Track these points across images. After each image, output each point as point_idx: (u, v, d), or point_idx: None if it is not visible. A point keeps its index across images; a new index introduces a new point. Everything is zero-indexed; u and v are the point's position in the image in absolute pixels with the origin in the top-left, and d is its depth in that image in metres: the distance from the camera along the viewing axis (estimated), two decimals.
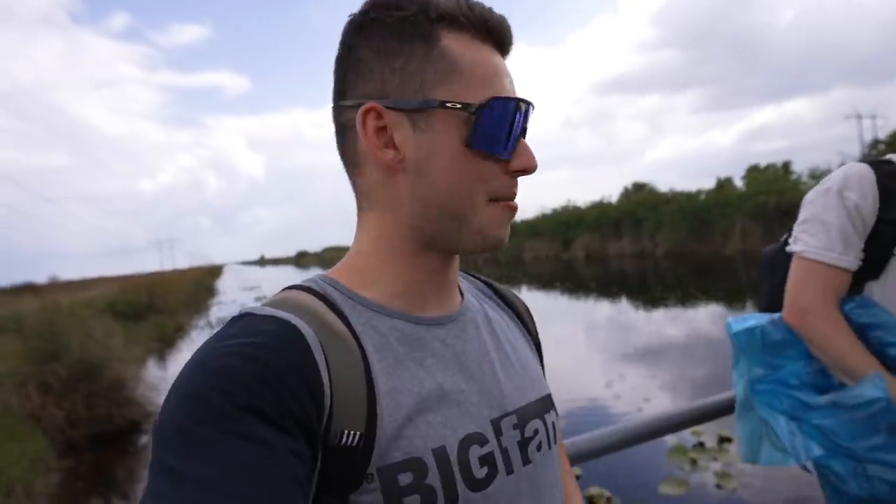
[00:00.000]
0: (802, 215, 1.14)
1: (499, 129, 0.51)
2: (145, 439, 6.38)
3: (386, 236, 0.54)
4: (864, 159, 1.15)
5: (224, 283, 47.99)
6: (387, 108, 0.50)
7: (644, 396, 5.78)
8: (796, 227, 1.15)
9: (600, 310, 13.48)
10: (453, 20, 0.51)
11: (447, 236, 0.53)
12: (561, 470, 0.64)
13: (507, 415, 0.56)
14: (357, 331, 0.50)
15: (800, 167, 28.01)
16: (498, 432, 0.54)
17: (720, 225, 25.38)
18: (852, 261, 1.06)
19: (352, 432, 0.45)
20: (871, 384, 0.97)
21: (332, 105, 0.56)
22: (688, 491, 3.63)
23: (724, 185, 28.63)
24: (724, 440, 4.13)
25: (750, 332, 1.14)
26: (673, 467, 3.93)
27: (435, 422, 0.49)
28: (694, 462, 3.93)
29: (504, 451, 0.53)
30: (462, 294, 0.62)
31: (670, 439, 4.15)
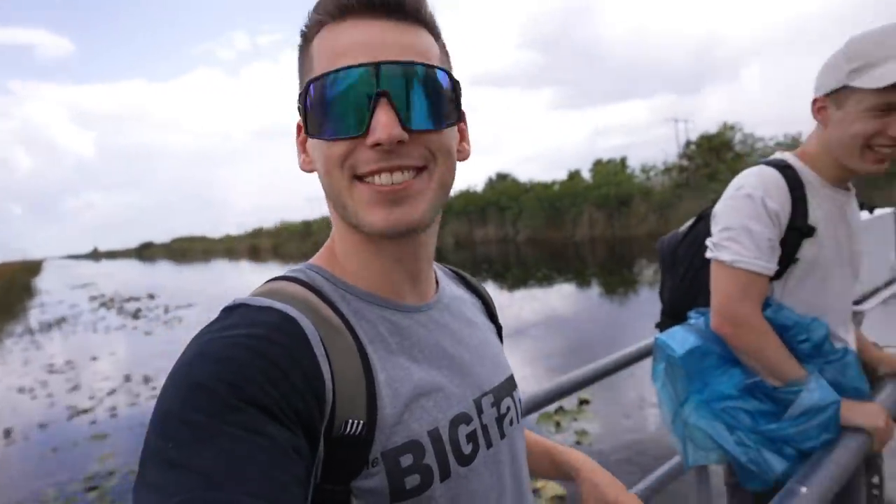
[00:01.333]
0: (724, 221, 1.13)
1: (323, 109, 0.49)
2: None
3: (342, 230, 0.56)
4: (767, 161, 1.17)
5: (46, 281, 40.71)
6: (299, 111, 0.54)
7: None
8: (719, 234, 1.14)
9: None
10: (319, 18, 0.51)
11: (349, 223, 0.53)
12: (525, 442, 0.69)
13: (485, 394, 0.59)
14: (350, 322, 0.51)
15: (634, 162, 32.07)
16: (479, 410, 0.57)
17: (571, 213, 28.10)
18: (774, 267, 1.10)
19: (354, 421, 0.47)
20: (821, 391, 1.04)
21: None
22: None
23: (574, 176, 31.63)
24: (582, 402, 4.67)
25: (691, 352, 1.16)
26: (542, 431, 4.34)
27: (428, 406, 0.52)
28: (558, 424, 4.38)
29: (485, 428, 0.57)
30: (437, 282, 0.64)
31: None
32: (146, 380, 7.09)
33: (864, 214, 1.61)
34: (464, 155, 0.59)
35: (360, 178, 0.50)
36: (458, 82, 0.53)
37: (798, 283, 1.13)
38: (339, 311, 0.51)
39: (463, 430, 0.54)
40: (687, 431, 1.17)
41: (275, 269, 28.29)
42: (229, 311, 0.48)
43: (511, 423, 0.62)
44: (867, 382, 1.13)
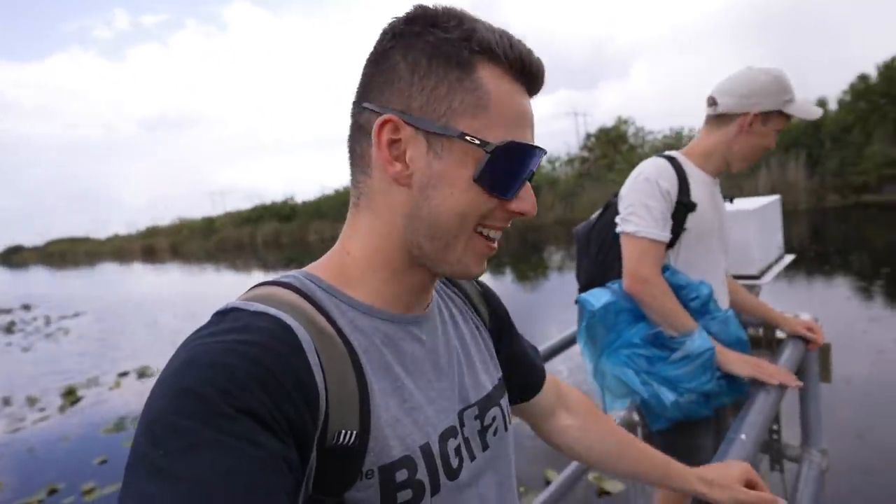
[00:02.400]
0: (628, 201, 1.38)
1: (508, 172, 0.52)
2: None
3: (381, 246, 0.55)
4: (658, 155, 1.44)
5: None
6: (406, 123, 0.51)
7: None
8: (624, 211, 1.38)
9: None
10: (493, 54, 0.51)
11: (431, 256, 0.54)
12: (512, 448, 0.68)
13: (469, 406, 0.60)
14: (345, 331, 0.50)
15: None
16: (461, 424, 0.58)
17: None
18: (668, 235, 1.35)
19: (347, 431, 0.47)
20: (700, 339, 1.28)
21: (353, 101, 0.56)
22: None
23: None
24: None
25: (606, 306, 1.39)
26: None
27: (420, 419, 0.53)
28: None
29: (466, 441, 0.58)
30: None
31: None
32: (31, 401, 6.28)
33: (756, 201, 1.86)
34: None
35: (482, 230, 0.54)
36: None
37: (687, 250, 1.40)
38: (333, 321, 0.50)
39: (451, 444, 0.55)
40: (605, 381, 1.39)
41: (174, 270, 26.32)
42: (221, 315, 0.46)
43: (496, 432, 0.63)
44: (746, 335, 1.39)
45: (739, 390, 1.32)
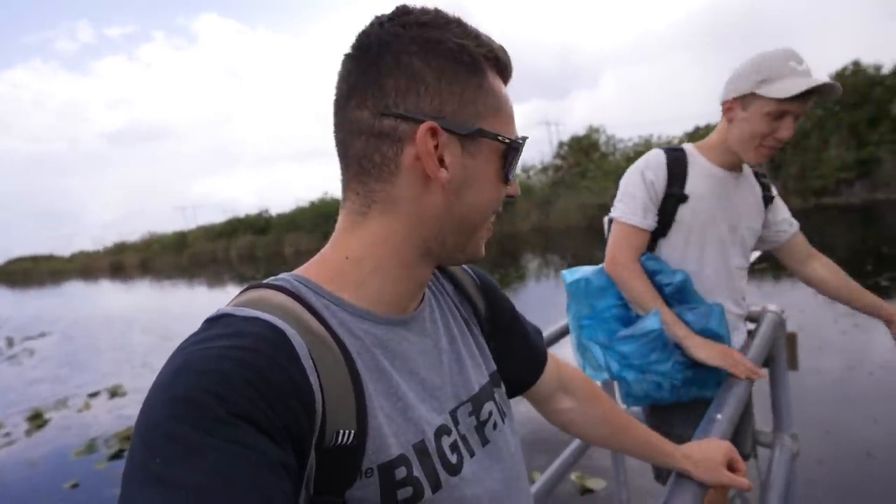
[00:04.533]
0: (619, 190, 1.45)
1: (516, 163, 0.59)
2: None
3: (393, 244, 0.55)
4: (663, 147, 1.46)
5: None
6: (443, 128, 0.52)
7: None
8: (615, 199, 1.46)
9: None
10: (494, 59, 0.56)
11: (450, 249, 0.58)
12: (517, 439, 0.69)
13: (462, 404, 0.61)
14: (338, 333, 0.51)
15: None
16: (455, 422, 0.59)
17: None
18: (650, 223, 1.40)
19: (346, 432, 0.47)
20: (652, 318, 1.32)
21: (355, 105, 0.53)
22: None
23: None
24: None
25: (577, 281, 1.49)
26: None
27: (414, 417, 0.54)
28: None
29: (463, 438, 0.59)
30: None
31: None
32: None
33: None
34: None
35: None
36: None
37: (678, 240, 1.42)
38: (325, 323, 0.50)
39: (446, 441, 0.56)
40: (585, 354, 1.43)
41: (145, 288, 25.58)
42: (212, 321, 0.47)
43: (495, 426, 0.63)
44: (728, 333, 1.38)
45: (715, 384, 1.32)
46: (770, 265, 8.05)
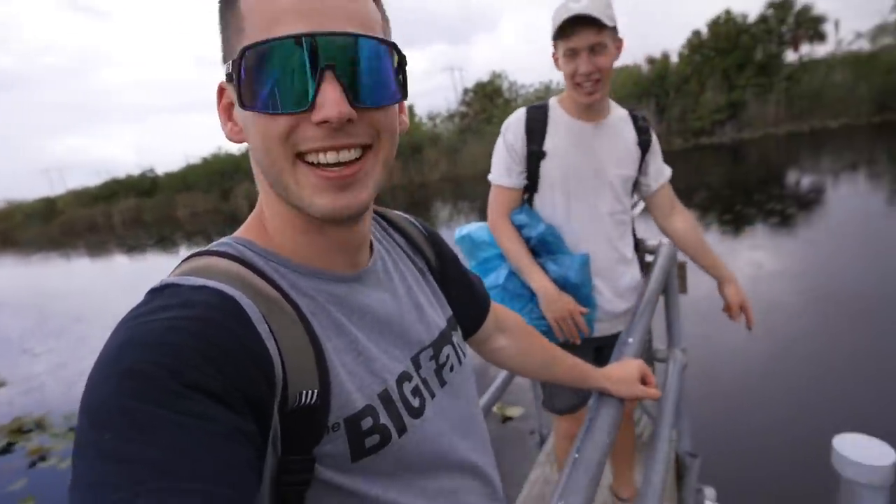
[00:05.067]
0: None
1: (262, 81, 0.45)
2: None
3: (275, 203, 0.54)
4: (529, 105, 1.52)
5: None
6: (227, 81, 0.49)
7: None
8: None
9: None
10: None
11: (291, 204, 0.50)
12: (472, 378, 0.71)
13: (424, 349, 0.62)
14: (289, 295, 0.50)
15: (420, 111, 33.52)
16: (417, 367, 0.60)
17: None
18: (515, 182, 1.48)
19: (308, 392, 0.47)
20: (493, 275, 1.50)
21: None
22: None
23: None
24: None
25: (463, 238, 1.60)
26: None
27: (376, 368, 0.54)
28: None
29: (424, 381, 0.60)
30: (371, 244, 0.63)
31: None
32: None
33: None
34: (403, 128, 0.57)
35: (301, 155, 0.47)
36: (404, 56, 0.51)
37: (546, 194, 1.49)
38: (276, 285, 0.49)
39: (408, 387, 0.57)
40: None
41: (8, 262, 22.38)
42: (156, 292, 0.44)
43: (452, 368, 0.65)
44: (590, 285, 1.50)
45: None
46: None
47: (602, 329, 1.56)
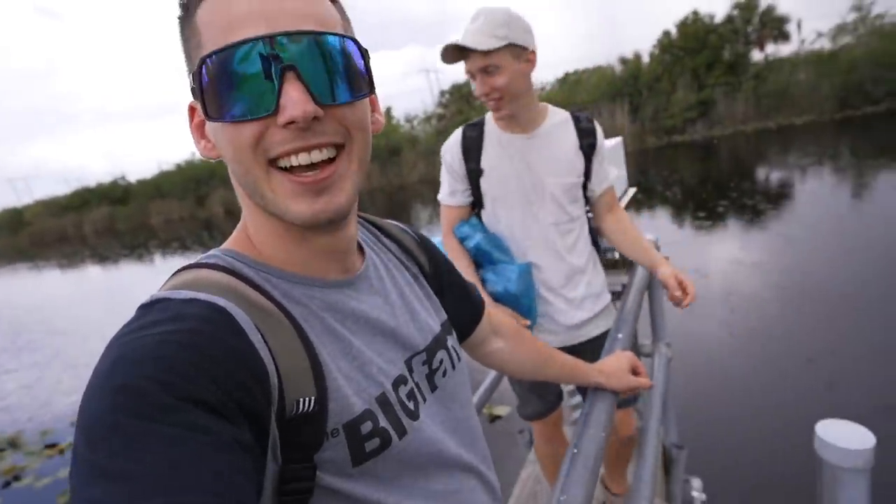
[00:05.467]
0: None
1: (223, 89, 0.44)
2: None
3: (259, 217, 0.54)
4: (466, 123, 1.50)
5: None
6: (193, 96, 0.49)
7: None
8: None
9: None
10: None
11: (270, 213, 0.50)
12: (467, 381, 0.71)
13: (417, 353, 0.62)
14: (282, 304, 0.50)
15: (398, 113, 33.43)
16: (410, 371, 0.60)
17: None
18: (458, 200, 1.51)
19: (305, 399, 0.47)
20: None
21: None
22: None
23: None
24: None
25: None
26: None
27: (373, 372, 0.55)
28: None
29: (417, 385, 0.61)
30: (362, 249, 0.64)
31: None
32: None
33: (607, 142, 2.09)
34: (377, 127, 0.57)
35: (274, 162, 0.47)
36: (366, 51, 0.51)
37: (490, 209, 1.50)
38: (267, 295, 0.49)
39: (403, 391, 0.58)
40: None
41: None
42: (147, 307, 0.44)
43: (444, 373, 0.66)
44: (532, 295, 1.47)
45: None
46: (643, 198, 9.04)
47: (559, 341, 1.53)
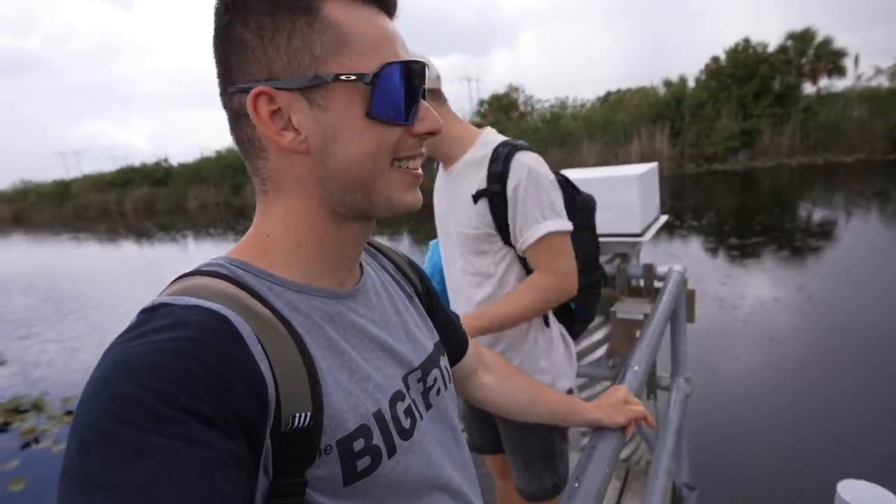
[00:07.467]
0: None
1: (397, 95, 0.50)
2: None
3: (303, 219, 0.54)
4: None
5: None
6: (277, 89, 0.48)
7: None
8: None
9: None
10: None
11: (359, 205, 0.54)
12: (454, 402, 0.71)
13: (413, 370, 0.62)
14: (284, 314, 0.50)
15: None
16: (407, 387, 0.60)
17: None
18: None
19: (302, 414, 0.47)
20: None
21: (219, 91, 0.52)
22: None
23: None
24: None
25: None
26: None
27: (370, 388, 0.54)
28: None
29: (413, 402, 0.60)
30: (361, 264, 0.64)
31: None
32: None
33: (638, 167, 2.06)
34: None
35: (398, 162, 0.54)
36: None
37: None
38: (270, 305, 0.49)
39: (400, 407, 0.57)
40: None
41: (21, 243, 22.56)
42: (148, 312, 0.44)
43: (438, 392, 0.66)
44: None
45: None
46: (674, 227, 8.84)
47: None
